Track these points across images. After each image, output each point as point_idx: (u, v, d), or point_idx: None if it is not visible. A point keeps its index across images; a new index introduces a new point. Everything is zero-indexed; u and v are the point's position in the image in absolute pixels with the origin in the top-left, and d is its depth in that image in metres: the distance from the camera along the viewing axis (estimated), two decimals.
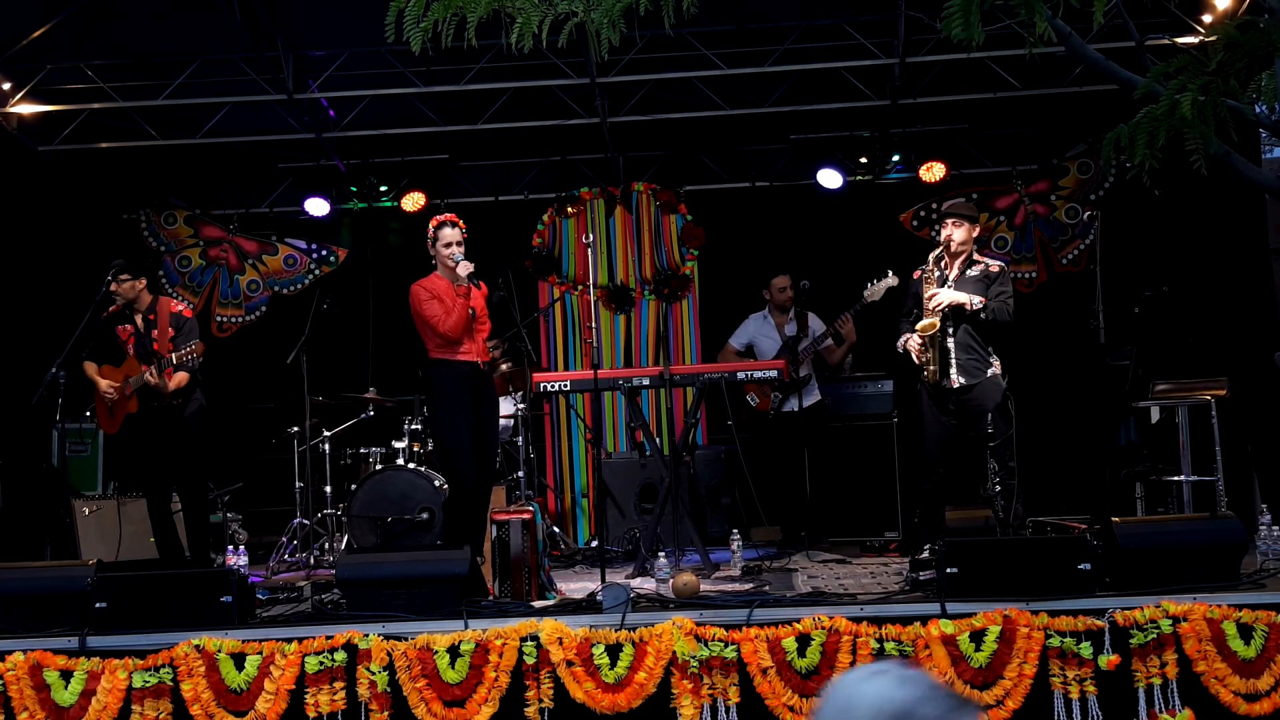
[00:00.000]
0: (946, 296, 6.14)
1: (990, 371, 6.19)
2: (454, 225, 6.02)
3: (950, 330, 6.17)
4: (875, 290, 7.60)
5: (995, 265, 6.32)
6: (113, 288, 6.39)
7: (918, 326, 6.21)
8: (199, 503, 6.55)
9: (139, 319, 6.44)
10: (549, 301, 9.61)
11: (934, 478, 6.28)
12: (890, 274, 7.59)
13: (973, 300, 6.11)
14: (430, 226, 6.07)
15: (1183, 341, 8.18)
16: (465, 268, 5.90)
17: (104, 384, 6.40)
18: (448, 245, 5.97)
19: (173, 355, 6.19)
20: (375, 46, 8.06)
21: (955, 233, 6.24)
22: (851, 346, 8.09)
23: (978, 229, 6.38)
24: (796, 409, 7.65)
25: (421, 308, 5.90)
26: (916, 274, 6.45)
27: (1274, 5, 3.97)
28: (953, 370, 6.16)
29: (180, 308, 6.55)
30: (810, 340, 7.87)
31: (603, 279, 9.70)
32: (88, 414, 8.30)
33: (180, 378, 6.31)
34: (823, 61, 8.27)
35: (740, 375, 7.10)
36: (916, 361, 6.26)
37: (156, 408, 6.35)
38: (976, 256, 6.35)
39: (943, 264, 6.31)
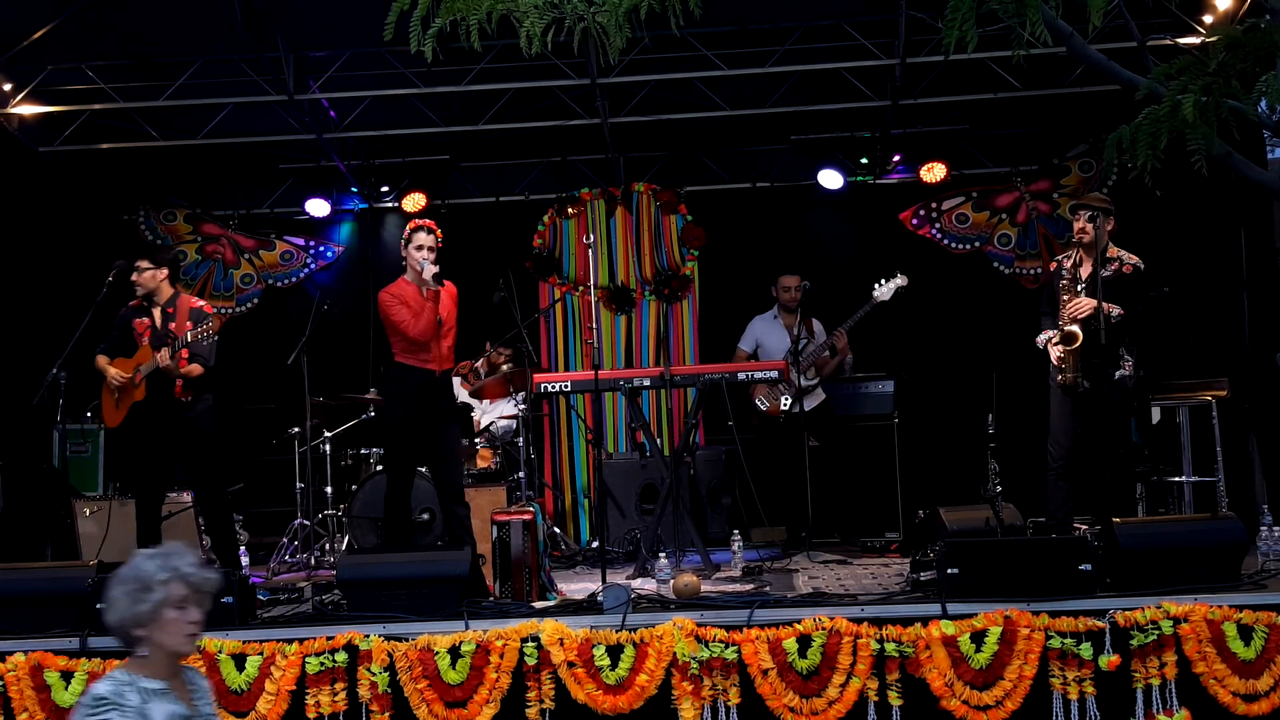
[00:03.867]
0: (1087, 305, 5.84)
1: (1118, 373, 5.93)
2: (430, 232, 6.03)
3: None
4: (884, 290, 7.60)
5: (1129, 263, 6.00)
6: (133, 278, 6.21)
7: (1060, 341, 5.93)
8: (220, 505, 6.31)
9: (157, 312, 6.23)
10: (549, 302, 9.61)
11: (1062, 462, 6.05)
12: (899, 274, 7.57)
13: (1111, 311, 5.75)
14: (407, 228, 6.08)
15: (1183, 341, 8.18)
16: (430, 269, 5.91)
17: (113, 371, 6.14)
18: (419, 248, 5.98)
19: (187, 335, 6.01)
20: (376, 47, 8.06)
21: (1089, 227, 5.96)
22: (844, 361, 8.07)
23: (1111, 222, 6.08)
24: (800, 410, 7.66)
25: (390, 313, 5.95)
26: (1053, 265, 6.11)
27: (1275, 6, 3.96)
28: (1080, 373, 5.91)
29: (201, 303, 6.33)
30: (815, 346, 7.86)
31: (603, 279, 9.70)
32: (89, 415, 8.30)
33: (194, 368, 6.11)
34: (824, 62, 8.27)
35: (741, 376, 7.08)
36: (1057, 365, 6.01)
37: (164, 398, 6.10)
38: (1110, 253, 6.02)
39: (1077, 259, 5.99)
